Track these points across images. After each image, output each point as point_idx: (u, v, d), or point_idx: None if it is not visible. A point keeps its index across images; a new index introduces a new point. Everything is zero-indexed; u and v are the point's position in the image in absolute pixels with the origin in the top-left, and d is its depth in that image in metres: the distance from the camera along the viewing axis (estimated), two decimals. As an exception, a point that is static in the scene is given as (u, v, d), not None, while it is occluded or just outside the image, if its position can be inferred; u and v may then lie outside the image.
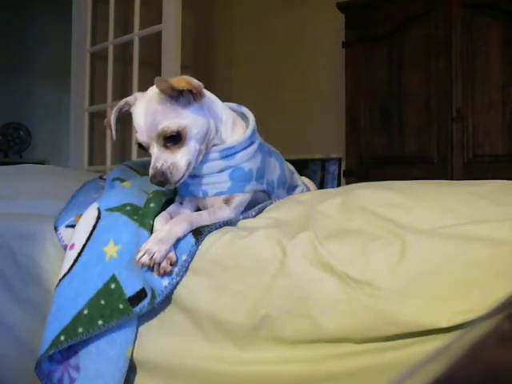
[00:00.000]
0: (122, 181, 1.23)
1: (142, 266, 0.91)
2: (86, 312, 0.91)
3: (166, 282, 0.92)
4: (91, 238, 0.99)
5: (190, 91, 0.97)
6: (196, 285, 0.93)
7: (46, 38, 4.35)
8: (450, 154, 2.51)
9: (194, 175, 1.05)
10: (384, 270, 0.79)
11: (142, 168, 1.35)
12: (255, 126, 1.13)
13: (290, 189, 1.34)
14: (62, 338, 0.90)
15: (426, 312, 0.76)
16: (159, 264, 0.91)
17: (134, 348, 0.95)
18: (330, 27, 3.11)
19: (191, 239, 0.95)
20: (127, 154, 3.06)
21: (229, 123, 1.08)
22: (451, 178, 2.45)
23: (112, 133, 1.09)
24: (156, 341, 0.95)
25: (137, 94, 1.08)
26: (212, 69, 3.68)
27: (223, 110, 1.09)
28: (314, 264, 0.83)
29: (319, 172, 3.24)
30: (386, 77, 2.72)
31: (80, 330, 0.90)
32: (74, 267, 0.96)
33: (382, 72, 2.73)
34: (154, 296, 0.91)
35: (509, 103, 2.39)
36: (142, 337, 0.96)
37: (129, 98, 1.09)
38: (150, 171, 0.96)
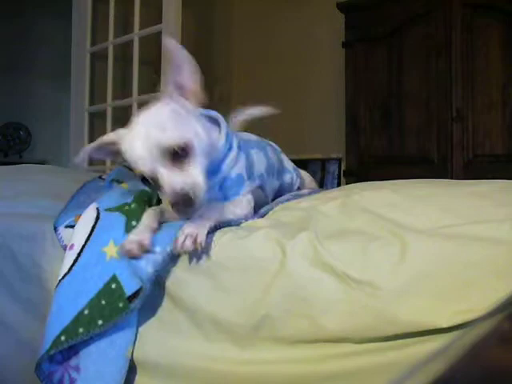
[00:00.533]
0: (120, 182, 1.24)
1: (185, 252, 0.87)
2: (86, 312, 0.91)
3: (150, 268, 0.91)
4: (91, 238, 0.99)
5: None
6: (196, 285, 0.93)
7: (45, 38, 4.35)
8: (450, 154, 2.51)
9: None
10: (384, 269, 0.79)
11: None
12: (228, 129, 1.07)
13: (280, 173, 1.33)
14: (63, 338, 0.90)
15: (426, 312, 0.76)
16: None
17: (134, 348, 0.95)
18: (330, 27, 3.11)
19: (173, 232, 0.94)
20: (127, 154, 3.05)
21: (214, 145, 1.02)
22: (451, 178, 2.45)
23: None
24: (156, 341, 0.95)
25: (119, 131, 0.99)
26: (212, 69, 3.68)
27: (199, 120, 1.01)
28: (314, 264, 0.83)
29: (319, 172, 3.24)
30: (386, 77, 2.72)
31: (81, 330, 0.90)
32: (73, 267, 0.96)
33: (382, 72, 2.73)
34: (143, 287, 0.91)
35: (509, 103, 2.39)
36: (142, 337, 0.96)
37: (111, 138, 0.99)
38: (170, 198, 0.86)
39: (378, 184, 1.16)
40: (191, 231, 0.88)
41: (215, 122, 1.10)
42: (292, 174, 1.39)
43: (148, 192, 1.11)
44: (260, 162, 1.18)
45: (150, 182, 0.95)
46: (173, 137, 0.88)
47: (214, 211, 0.97)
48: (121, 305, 0.90)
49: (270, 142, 1.39)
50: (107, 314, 0.90)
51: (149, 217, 0.98)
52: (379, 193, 1.06)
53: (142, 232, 0.93)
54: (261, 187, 1.17)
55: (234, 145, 1.07)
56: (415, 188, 1.09)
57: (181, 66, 0.94)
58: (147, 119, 0.93)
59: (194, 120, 0.95)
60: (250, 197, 1.09)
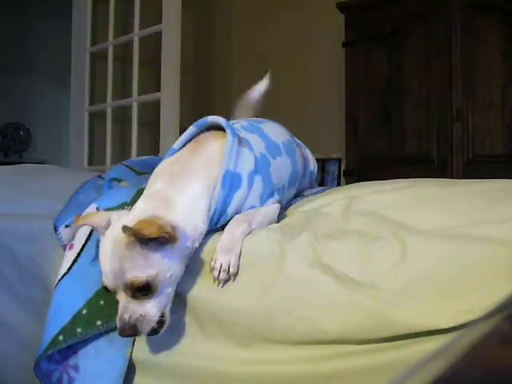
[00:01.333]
0: (120, 181, 1.24)
1: (222, 283, 0.88)
2: (84, 312, 0.91)
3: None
4: (90, 238, 0.99)
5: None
6: (196, 284, 0.93)
7: (45, 37, 4.35)
8: (450, 154, 2.51)
9: None
10: (384, 271, 0.79)
11: (140, 167, 1.35)
12: (231, 149, 0.97)
13: (303, 176, 1.31)
14: (61, 337, 0.90)
15: (426, 313, 0.76)
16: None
17: (133, 348, 0.95)
18: (329, 27, 3.11)
19: None
20: (127, 154, 3.06)
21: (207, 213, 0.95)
22: (451, 178, 2.45)
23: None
24: (155, 340, 0.95)
25: (111, 217, 0.91)
26: (212, 69, 3.68)
27: (199, 215, 0.93)
28: (314, 265, 0.83)
29: (319, 172, 3.23)
30: (386, 77, 2.72)
31: (79, 330, 0.90)
32: (73, 267, 0.96)
33: (382, 72, 2.73)
34: None
35: (509, 103, 2.39)
36: (142, 337, 0.96)
37: (100, 222, 0.91)
38: (118, 323, 0.84)
39: (378, 183, 1.16)
40: (224, 261, 0.88)
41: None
42: (314, 171, 1.37)
43: None
44: (284, 171, 1.14)
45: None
46: (138, 274, 0.83)
47: (243, 223, 0.94)
48: None
49: (297, 141, 1.35)
50: (106, 314, 0.90)
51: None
52: (379, 194, 1.06)
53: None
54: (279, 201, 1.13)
55: (244, 177, 0.99)
56: (415, 187, 1.09)
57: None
58: (118, 240, 0.85)
59: (170, 252, 0.87)
60: (277, 205, 1.04)
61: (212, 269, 0.89)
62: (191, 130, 1.06)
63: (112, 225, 0.88)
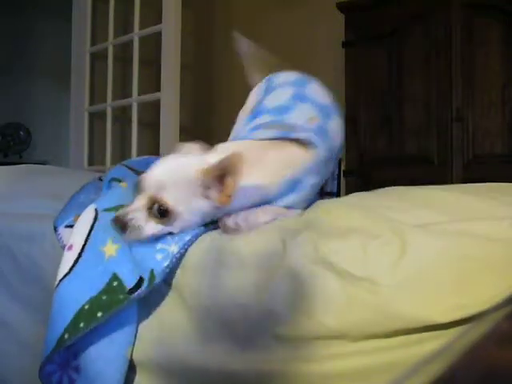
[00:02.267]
0: (119, 181, 1.23)
1: (226, 229, 0.94)
2: (86, 307, 0.91)
3: (166, 262, 0.93)
4: (89, 238, 0.99)
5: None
6: (196, 283, 0.93)
7: (45, 37, 4.36)
8: (450, 153, 2.51)
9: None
10: (383, 266, 0.80)
11: (140, 166, 1.35)
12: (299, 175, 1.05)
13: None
14: (66, 336, 0.90)
15: (424, 307, 0.77)
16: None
17: (133, 348, 0.95)
18: (330, 27, 3.11)
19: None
20: (127, 154, 3.06)
21: (251, 199, 1.01)
22: (451, 178, 2.45)
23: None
24: (156, 340, 0.95)
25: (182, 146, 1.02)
26: (212, 69, 3.68)
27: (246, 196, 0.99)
28: (316, 261, 0.84)
29: (319, 172, 3.24)
30: (386, 77, 2.72)
31: (81, 324, 0.90)
32: (74, 268, 0.96)
33: (382, 72, 2.73)
34: (152, 277, 0.92)
35: (509, 103, 2.39)
36: (142, 337, 0.96)
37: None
38: (119, 212, 0.93)
39: (380, 191, 1.18)
40: (240, 221, 0.95)
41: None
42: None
43: None
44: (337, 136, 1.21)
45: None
46: (165, 197, 0.92)
47: (268, 210, 1.00)
48: (121, 296, 0.91)
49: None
50: (107, 305, 0.90)
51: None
52: (380, 196, 1.08)
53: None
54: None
55: (306, 185, 1.07)
56: (412, 191, 1.11)
57: (232, 168, 0.93)
58: (177, 167, 0.95)
59: (199, 206, 0.94)
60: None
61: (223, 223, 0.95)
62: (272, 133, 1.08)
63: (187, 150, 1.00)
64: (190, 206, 0.93)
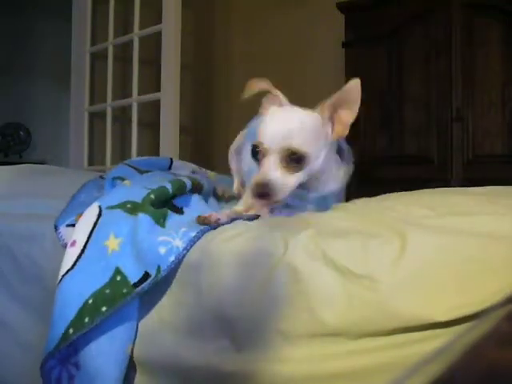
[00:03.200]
0: (122, 179, 1.23)
1: (205, 221, 0.98)
2: (90, 301, 0.91)
3: (172, 257, 0.93)
4: (93, 234, 0.99)
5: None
6: (197, 283, 0.93)
7: (45, 37, 4.36)
8: (450, 154, 2.51)
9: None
10: (384, 264, 0.80)
11: (143, 166, 1.35)
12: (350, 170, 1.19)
13: None
14: (71, 331, 0.90)
15: (424, 306, 0.77)
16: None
17: (134, 347, 0.95)
18: (330, 27, 3.11)
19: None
20: (127, 154, 3.06)
21: (330, 175, 1.12)
22: (451, 178, 2.45)
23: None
24: (156, 339, 0.95)
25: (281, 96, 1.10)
26: (212, 69, 3.68)
27: (331, 161, 1.11)
28: (316, 258, 0.84)
29: (319, 172, 3.23)
30: (386, 77, 2.72)
31: (86, 319, 0.90)
32: (77, 263, 0.96)
33: (382, 72, 2.73)
34: (158, 271, 0.92)
35: (509, 103, 2.39)
36: (143, 336, 0.96)
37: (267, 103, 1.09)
38: (253, 180, 0.97)
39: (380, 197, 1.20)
40: (220, 215, 1.00)
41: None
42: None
43: (168, 191, 1.09)
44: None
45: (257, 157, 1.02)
46: (299, 144, 0.98)
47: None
48: (125, 290, 0.91)
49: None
50: (111, 299, 0.91)
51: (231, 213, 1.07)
52: (380, 199, 1.09)
53: (228, 217, 1.02)
54: None
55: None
56: (412, 195, 1.12)
57: (350, 98, 1.06)
58: (297, 115, 1.04)
59: (323, 145, 1.03)
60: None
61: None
62: None
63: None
64: (316, 147, 1.00)
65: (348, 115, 1.06)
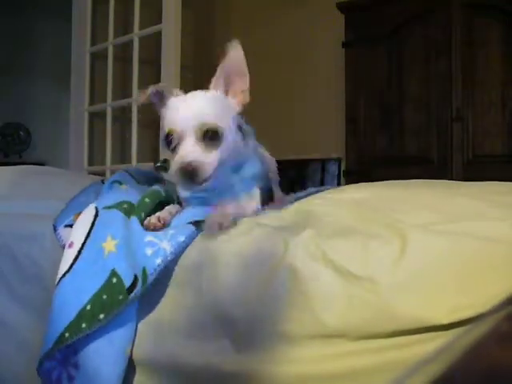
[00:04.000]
0: (121, 183, 1.24)
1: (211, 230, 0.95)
2: (88, 307, 0.91)
3: (159, 259, 0.93)
4: (90, 235, 0.99)
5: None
6: (197, 283, 0.93)
7: (45, 37, 4.36)
8: (450, 154, 2.51)
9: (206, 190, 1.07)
10: (384, 265, 0.80)
11: (142, 176, 1.35)
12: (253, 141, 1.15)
13: None
14: (67, 334, 0.90)
15: (425, 307, 0.77)
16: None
17: (133, 347, 0.95)
18: (330, 27, 3.11)
19: (191, 226, 0.98)
20: (127, 155, 3.06)
21: (247, 151, 1.10)
22: (451, 178, 2.45)
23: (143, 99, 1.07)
24: (156, 340, 0.95)
25: (174, 89, 1.08)
26: (212, 69, 3.68)
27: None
28: (316, 259, 0.84)
29: (319, 172, 3.24)
30: (386, 77, 2.72)
31: (84, 325, 0.90)
32: (74, 265, 0.96)
33: (382, 72, 2.73)
34: (145, 276, 0.92)
35: (509, 103, 2.39)
36: (142, 336, 0.96)
37: (165, 87, 1.07)
38: (178, 164, 0.96)
39: (377, 184, 1.17)
40: (218, 219, 0.96)
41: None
42: None
43: (161, 194, 1.11)
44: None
45: (168, 147, 1.01)
46: (212, 119, 0.98)
47: (232, 206, 1.05)
48: (121, 297, 0.91)
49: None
50: (108, 307, 0.91)
51: (170, 208, 1.06)
52: (379, 193, 1.07)
53: (163, 213, 1.01)
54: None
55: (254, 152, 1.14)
56: (411, 189, 1.11)
57: (235, 66, 1.07)
58: (200, 95, 1.04)
59: (231, 118, 1.04)
60: (258, 191, 1.13)
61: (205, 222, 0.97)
62: None
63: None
64: (226, 121, 1.01)
65: (241, 82, 1.07)
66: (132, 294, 0.90)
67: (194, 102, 1.01)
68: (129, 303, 0.91)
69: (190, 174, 0.95)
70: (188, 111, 0.99)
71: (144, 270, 0.92)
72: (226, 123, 1.01)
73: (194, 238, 0.96)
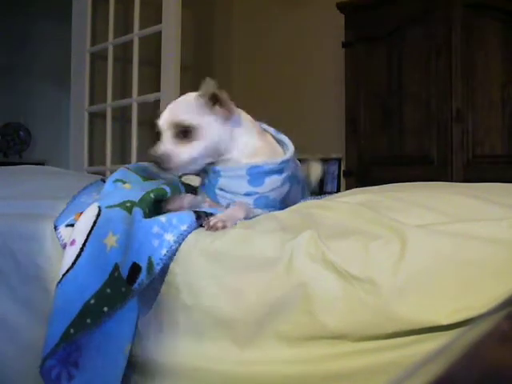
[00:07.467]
0: (124, 182, 1.23)
1: (214, 228, 0.98)
2: (92, 302, 0.91)
3: (164, 250, 0.94)
4: (92, 233, 0.99)
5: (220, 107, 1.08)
6: (197, 283, 0.93)
7: (45, 38, 4.35)
8: (450, 154, 2.51)
9: (222, 189, 1.12)
10: (384, 267, 0.80)
11: (143, 172, 1.35)
12: (292, 156, 1.20)
13: None
14: (72, 330, 0.90)
15: (426, 309, 0.77)
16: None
17: (133, 347, 0.95)
18: (330, 27, 3.11)
19: (192, 215, 1.01)
20: (127, 155, 3.06)
21: (245, 150, 1.13)
22: (451, 178, 2.45)
23: None
24: (155, 340, 0.95)
25: None
26: (212, 69, 3.68)
27: (245, 137, 1.14)
28: (316, 261, 0.84)
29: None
30: (386, 77, 2.72)
31: (88, 320, 0.90)
32: (77, 262, 0.96)
33: (382, 72, 2.73)
34: (151, 265, 0.92)
35: (509, 103, 2.39)
36: (142, 336, 0.96)
37: None
38: (151, 154, 1.06)
39: (377, 188, 1.17)
40: (224, 218, 1.00)
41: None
42: None
43: (166, 192, 1.12)
44: (296, 198, 1.27)
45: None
46: (186, 118, 1.07)
47: (242, 206, 1.09)
48: (123, 289, 0.91)
49: None
50: (112, 299, 0.91)
51: (199, 199, 1.15)
52: (378, 196, 1.08)
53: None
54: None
55: (285, 173, 1.17)
56: (412, 191, 1.11)
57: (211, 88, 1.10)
58: (181, 98, 1.14)
59: (213, 119, 1.09)
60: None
61: (208, 220, 1.00)
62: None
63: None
64: (203, 120, 1.07)
65: (225, 99, 1.11)
66: (135, 285, 0.91)
67: (173, 103, 1.12)
68: (133, 295, 0.92)
69: (158, 163, 1.06)
70: (167, 111, 1.10)
71: (150, 261, 0.93)
72: (203, 122, 1.08)
73: (194, 228, 0.98)
